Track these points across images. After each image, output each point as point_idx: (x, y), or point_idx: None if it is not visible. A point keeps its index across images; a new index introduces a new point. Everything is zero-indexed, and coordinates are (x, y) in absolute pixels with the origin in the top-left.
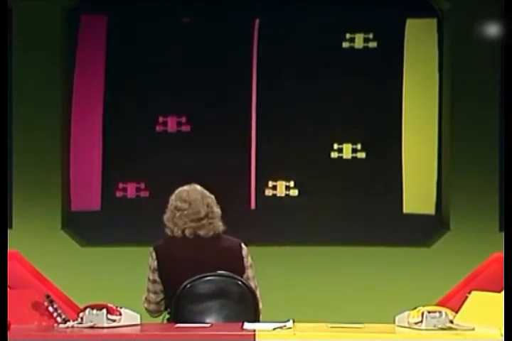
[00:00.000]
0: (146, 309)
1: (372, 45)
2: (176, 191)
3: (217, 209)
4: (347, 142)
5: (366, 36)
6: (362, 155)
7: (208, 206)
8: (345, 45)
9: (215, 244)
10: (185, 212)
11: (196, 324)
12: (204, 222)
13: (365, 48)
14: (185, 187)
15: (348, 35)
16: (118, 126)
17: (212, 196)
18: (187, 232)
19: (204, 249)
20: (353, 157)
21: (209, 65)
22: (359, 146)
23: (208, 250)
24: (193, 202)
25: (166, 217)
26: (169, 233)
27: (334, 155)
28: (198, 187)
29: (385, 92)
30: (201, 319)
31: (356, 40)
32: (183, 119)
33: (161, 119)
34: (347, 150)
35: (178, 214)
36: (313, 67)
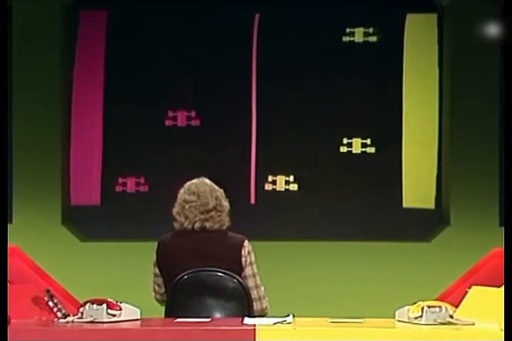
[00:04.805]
0: (154, 298)
1: (372, 39)
2: (185, 184)
3: (225, 203)
4: (347, 137)
5: (366, 30)
6: (361, 149)
7: (216, 199)
8: (346, 39)
9: (216, 240)
10: (194, 204)
11: (196, 319)
12: (213, 213)
13: (365, 43)
14: (194, 181)
15: (348, 30)
16: (118, 121)
17: (221, 190)
18: (196, 225)
19: (204, 244)
20: (352, 152)
21: (209, 61)
22: (359, 141)
23: (208, 245)
24: (201, 194)
25: (176, 210)
26: (178, 226)
27: (333, 149)
28: (207, 180)
29: (385, 88)
30: (193, 314)
31: (356, 35)
32: (184, 115)
33: (161, 115)
34: (346, 145)
35: (187, 207)
36: (314, 62)
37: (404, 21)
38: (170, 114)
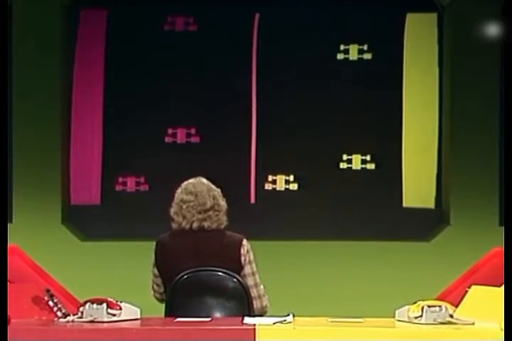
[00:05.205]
0: (153, 296)
1: (368, 55)
2: (182, 184)
3: (223, 203)
4: (347, 136)
5: (361, 48)
6: (362, 149)
7: (214, 198)
8: (340, 57)
9: (215, 239)
10: (191, 204)
11: (196, 318)
12: (210, 213)
13: (365, 45)
14: (191, 180)
15: (342, 47)
16: (118, 121)
17: (219, 189)
18: (194, 225)
19: (203, 244)
20: (352, 164)
21: (209, 60)
22: (359, 141)
23: (207, 245)
24: (198, 193)
25: (173, 210)
26: (176, 227)
27: (334, 149)
28: (204, 180)
29: (385, 87)
30: (193, 313)
31: (351, 51)
32: (184, 116)
33: (161, 115)
34: (347, 146)
35: (184, 207)
36: (314, 61)
37: (404, 21)
38: (170, 114)
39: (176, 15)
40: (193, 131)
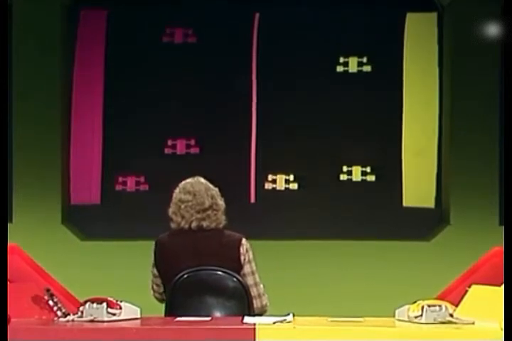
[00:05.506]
0: (153, 296)
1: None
2: (180, 184)
3: (221, 202)
4: (347, 136)
5: (360, 60)
6: (362, 148)
7: (212, 198)
8: (341, 64)
9: (214, 239)
10: (190, 203)
11: (196, 318)
12: (209, 212)
13: (365, 47)
14: (189, 180)
15: (343, 55)
16: (118, 121)
17: (216, 189)
18: (193, 224)
19: (202, 244)
20: (352, 151)
21: (209, 61)
22: (359, 141)
23: (206, 244)
24: (197, 193)
25: (172, 210)
26: (175, 226)
27: (333, 149)
28: (202, 179)
29: (385, 87)
30: (193, 313)
31: (350, 63)
32: (184, 116)
33: (161, 114)
34: (347, 144)
35: (183, 206)
36: (313, 61)
37: (404, 21)
38: (171, 114)
39: (176, 25)
40: (192, 129)
